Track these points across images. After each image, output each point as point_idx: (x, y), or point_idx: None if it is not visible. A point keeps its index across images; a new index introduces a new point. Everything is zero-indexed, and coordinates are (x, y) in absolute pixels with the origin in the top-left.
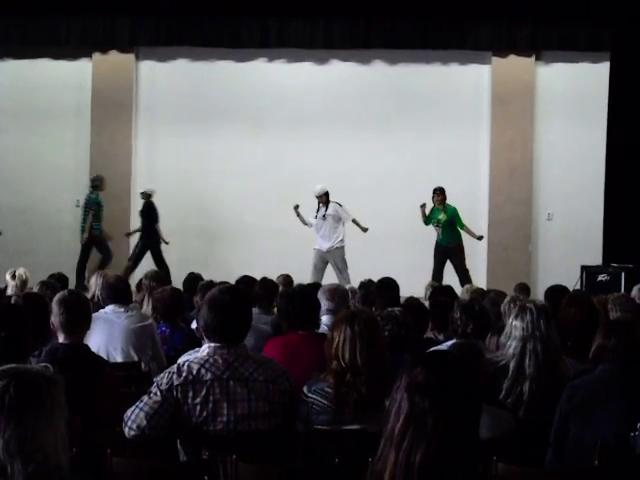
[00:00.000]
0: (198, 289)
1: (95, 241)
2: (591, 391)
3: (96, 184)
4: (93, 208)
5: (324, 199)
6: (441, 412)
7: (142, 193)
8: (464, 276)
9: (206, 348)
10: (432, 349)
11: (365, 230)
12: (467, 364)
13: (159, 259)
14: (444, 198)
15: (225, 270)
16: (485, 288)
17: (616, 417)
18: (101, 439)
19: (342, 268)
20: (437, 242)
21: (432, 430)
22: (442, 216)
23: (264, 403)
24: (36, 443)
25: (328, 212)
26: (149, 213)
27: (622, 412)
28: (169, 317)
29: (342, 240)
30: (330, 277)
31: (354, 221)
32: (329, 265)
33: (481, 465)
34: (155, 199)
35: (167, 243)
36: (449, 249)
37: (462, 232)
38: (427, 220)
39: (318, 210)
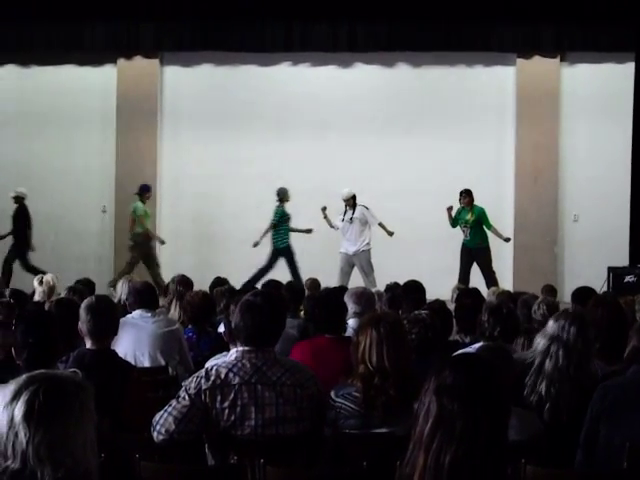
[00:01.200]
0: (225, 294)
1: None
2: (623, 392)
3: (281, 197)
4: (279, 220)
5: (351, 202)
6: (470, 415)
7: (14, 197)
8: (490, 278)
9: (234, 352)
10: (460, 352)
11: (391, 234)
12: (495, 366)
13: (27, 265)
14: (471, 200)
15: (250, 274)
16: (512, 290)
17: None
18: (129, 444)
19: (368, 271)
20: (464, 244)
21: (461, 433)
22: (470, 216)
23: (292, 407)
24: (66, 448)
25: (355, 215)
26: (21, 217)
27: None
28: (197, 321)
29: (368, 243)
30: (356, 280)
31: (380, 224)
32: (355, 268)
33: (510, 468)
34: (180, 204)
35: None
36: (476, 250)
37: (489, 233)
38: (454, 222)
39: (345, 213)
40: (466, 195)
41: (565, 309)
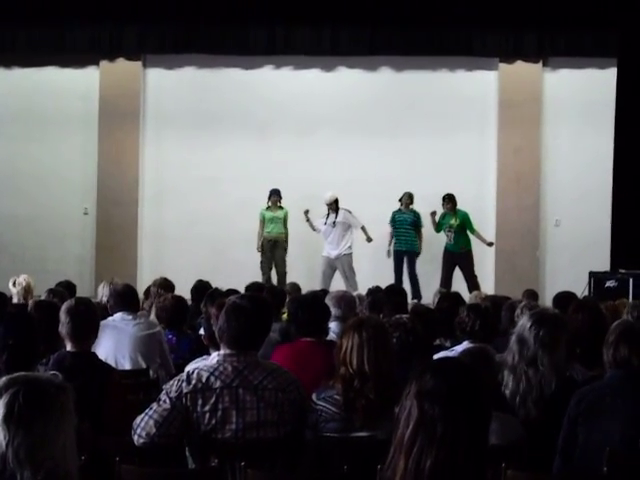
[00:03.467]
0: (205, 297)
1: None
2: (599, 397)
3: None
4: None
5: (334, 206)
6: (451, 419)
7: None
8: (473, 283)
9: (216, 356)
10: (442, 355)
11: (370, 240)
12: (477, 370)
13: None
14: (454, 204)
15: (234, 277)
16: (493, 294)
17: (624, 423)
18: (110, 446)
19: (349, 275)
20: (446, 248)
21: (442, 437)
22: (454, 221)
23: (273, 411)
24: (45, 451)
25: (338, 219)
26: None
27: (631, 418)
28: (173, 325)
29: (350, 247)
30: (338, 284)
31: (363, 228)
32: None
33: (490, 472)
34: (163, 207)
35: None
36: (459, 255)
37: (472, 238)
38: (438, 227)
39: (327, 216)
40: (449, 200)
41: (532, 310)
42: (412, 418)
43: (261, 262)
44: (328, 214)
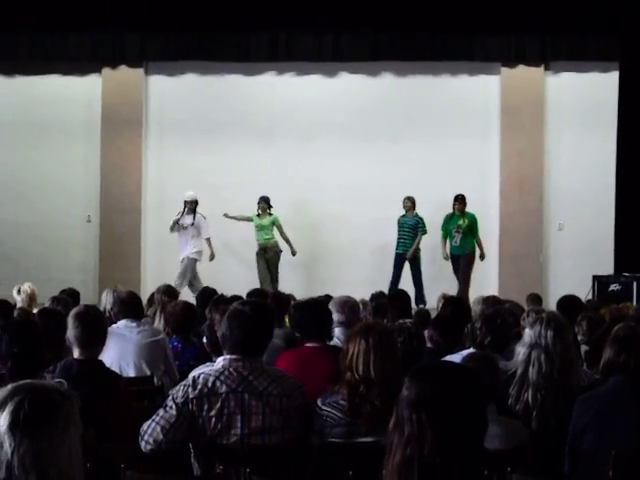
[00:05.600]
0: (210, 303)
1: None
2: (605, 403)
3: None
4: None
5: (192, 207)
6: (437, 424)
7: None
8: (465, 286)
9: (221, 360)
10: (443, 360)
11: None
12: (467, 374)
13: None
14: (464, 206)
15: (237, 284)
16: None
17: (631, 428)
18: (115, 454)
19: (184, 277)
20: (451, 252)
21: (431, 442)
22: (462, 222)
23: (278, 417)
24: (51, 459)
25: (195, 222)
26: None
27: (637, 423)
28: (181, 331)
29: (199, 253)
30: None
31: (208, 240)
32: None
33: (495, 476)
34: (166, 214)
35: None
36: (463, 256)
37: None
38: (443, 230)
39: (182, 215)
40: (462, 200)
41: (539, 316)
42: (399, 424)
43: (257, 270)
44: (184, 213)
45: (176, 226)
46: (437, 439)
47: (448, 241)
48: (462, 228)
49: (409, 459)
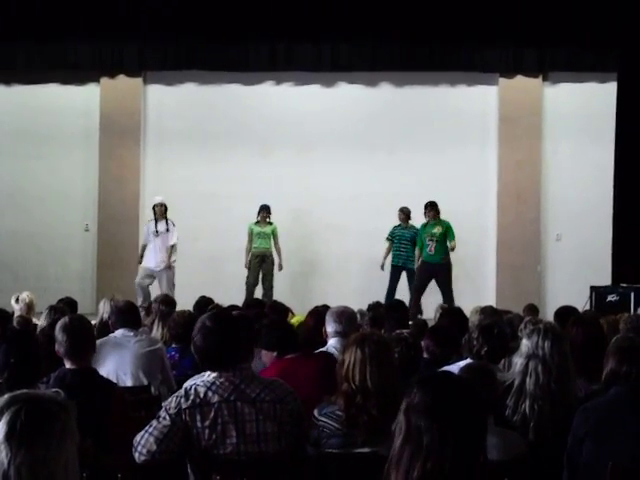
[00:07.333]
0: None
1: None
2: (605, 413)
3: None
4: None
5: (162, 212)
6: (437, 431)
7: None
8: (449, 296)
9: (211, 372)
10: (441, 370)
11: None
12: (467, 384)
13: None
14: (437, 213)
15: (234, 293)
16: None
17: (630, 439)
18: (112, 464)
19: (168, 290)
20: (424, 260)
21: (428, 449)
22: (437, 229)
23: (272, 424)
24: (47, 469)
25: (162, 229)
26: None
27: (636, 434)
28: (181, 340)
29: (174, 260)
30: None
31: (172, 247)
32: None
33: None
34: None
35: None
36: (439, 266)
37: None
38: (418, 238)
39: (155, 223)
40: (431, 208)
41: (536, 326)
42: (401, 432)
43: (247, 277)
44: (156, 220)
45: (150, 235)
46: (459, 447)
47: (423, 250)
48: (436, 236)
49: (431, 471)
